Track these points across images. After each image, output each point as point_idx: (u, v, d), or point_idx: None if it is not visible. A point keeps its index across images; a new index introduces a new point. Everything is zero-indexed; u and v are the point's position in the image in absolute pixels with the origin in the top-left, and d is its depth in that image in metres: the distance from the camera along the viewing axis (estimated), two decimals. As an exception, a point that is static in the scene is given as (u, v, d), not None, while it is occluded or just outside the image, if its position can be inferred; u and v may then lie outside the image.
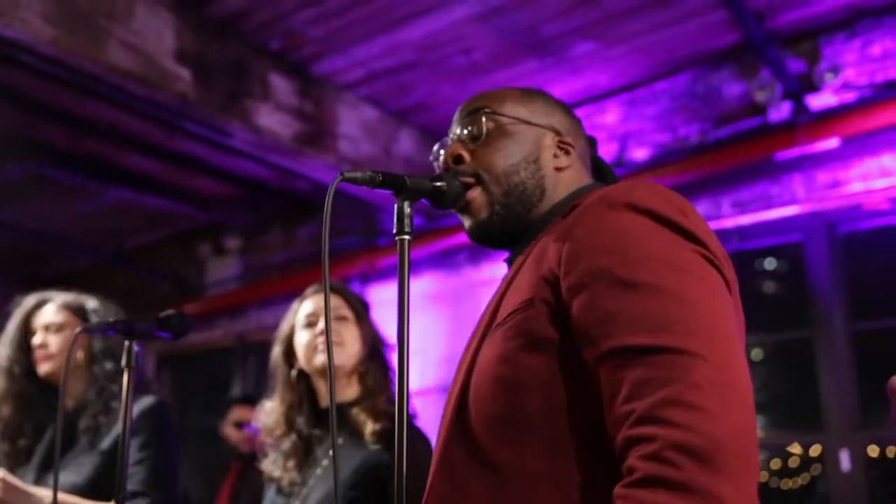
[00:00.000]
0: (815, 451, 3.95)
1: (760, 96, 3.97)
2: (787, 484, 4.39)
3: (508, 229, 1.32)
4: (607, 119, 4.58)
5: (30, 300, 2.42)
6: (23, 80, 3.96)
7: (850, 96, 3.83)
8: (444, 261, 5.09)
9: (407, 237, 1.16)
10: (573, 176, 1.35)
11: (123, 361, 1.74)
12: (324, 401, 2.25)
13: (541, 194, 1.31)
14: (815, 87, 3.89)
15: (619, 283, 1.03)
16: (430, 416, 2.21)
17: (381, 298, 5.40)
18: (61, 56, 3.31)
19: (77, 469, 2.20)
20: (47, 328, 2.34)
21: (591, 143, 1.45)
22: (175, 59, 3.69)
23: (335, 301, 2.32)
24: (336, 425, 2.16)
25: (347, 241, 5.43)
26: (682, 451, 0.89)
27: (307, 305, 2.31)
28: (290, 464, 2.18)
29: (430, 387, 4.71)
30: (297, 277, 5.34)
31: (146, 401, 2.26)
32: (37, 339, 2.32)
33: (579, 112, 4.93)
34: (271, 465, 2.21)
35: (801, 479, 4.36)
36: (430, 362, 4.82)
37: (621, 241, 1.06)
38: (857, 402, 3.75)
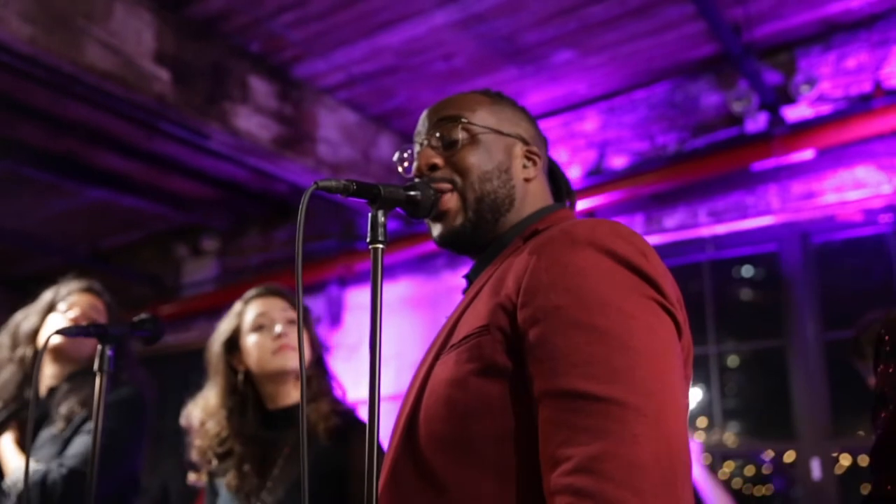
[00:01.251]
0: (788, 457, 3.99)
1: (737, 107, 4.00)
2: (761, 490, 4.43)
3: (476, 237, 1.34)
4: (586, 127, 4.61)
5: None
6: (-1, 78, 3.94)
7: (825, 108, 3.88)
8: (422, 265, 5.09)
9: (380, 246, 1.15)
10: (538, 189, 1.39)
11: (96, 365, 1.72)
12: (271, 403, 2.25)
13: (510, 204, 1.34)
14: (790, 99, 3.93)
15: (573, 324, 1.05)
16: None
17: (359, 302, 5.39)
18: (38, 55, 3.28)
19: (42, 451, 2.33)
20: None
21: (545, 143, 1.48)
22: (154, 60, 3.66)
23: (283, 304, 2.30)
24: (288, 425, 2.19)
25: (325, 245, 5.41)
26: None
27: (255, 307, 2.29)
28: (247, 468, 2.16)
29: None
30: (274, 279, 5.29)
31: (117, 392, 2.39)
32: None
33: (558, 120, 4.91)
34: (227, 475, 2.18)
35: (775, 486, 4.40)
36: (406, 366, 4.82)
37: (579, 281, 1.08)
38: (829, 411, 3.78)
